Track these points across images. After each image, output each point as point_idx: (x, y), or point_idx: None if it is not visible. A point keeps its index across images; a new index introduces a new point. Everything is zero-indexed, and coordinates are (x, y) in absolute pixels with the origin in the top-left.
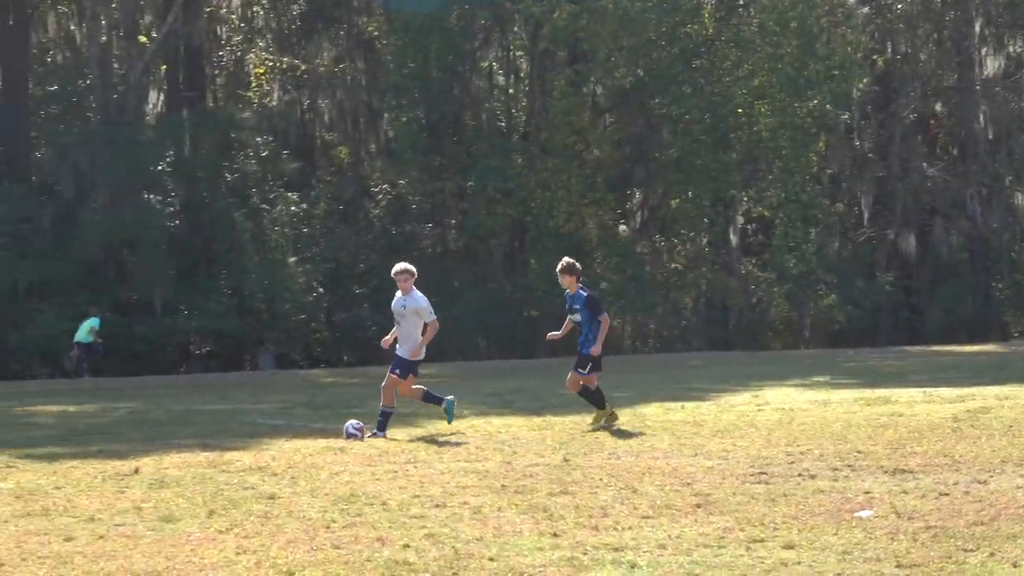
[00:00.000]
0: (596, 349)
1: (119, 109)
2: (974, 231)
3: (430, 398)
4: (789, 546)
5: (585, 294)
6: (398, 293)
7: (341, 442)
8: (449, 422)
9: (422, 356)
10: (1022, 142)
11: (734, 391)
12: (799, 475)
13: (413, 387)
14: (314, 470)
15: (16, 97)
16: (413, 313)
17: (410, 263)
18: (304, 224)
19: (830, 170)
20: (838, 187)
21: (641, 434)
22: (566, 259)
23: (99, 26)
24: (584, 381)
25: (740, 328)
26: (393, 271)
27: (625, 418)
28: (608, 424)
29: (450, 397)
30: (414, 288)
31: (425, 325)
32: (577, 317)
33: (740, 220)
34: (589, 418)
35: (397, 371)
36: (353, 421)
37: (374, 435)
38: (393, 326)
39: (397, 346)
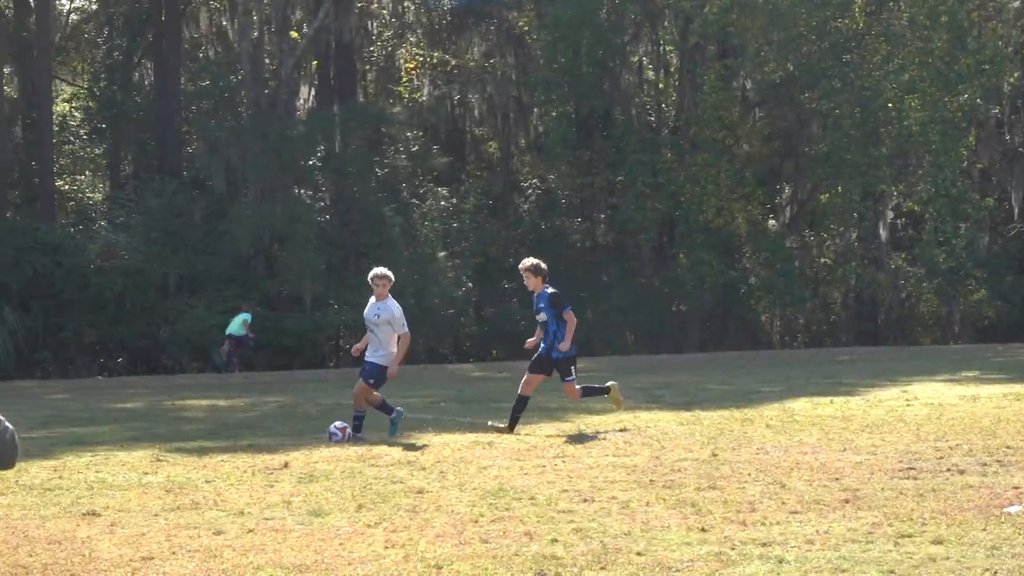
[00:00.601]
0: (564, 344)
1: (270, 104)
2: None
3: (384, 407)
4: (937, 541)
5: (549, 291)
6: (372, 299)
7: (490, 436)
8: (391, 434)
9: (395, 374)
10: None
11: (883, 386)
12: (948, 470)
13: (374, 394)
14: (462, 464)
15: (168, 93)
16: (386, 323)
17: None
18: (454, 219)
19: (980, 164)
20: (988, 181)
21: (790, 429)
22: (530, 259)
23: (251, 22)
24: (579, 387)
25: (889, 323)
26: (371, 276)
27: (773, 413)
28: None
29: (400, 408)
30: (390, 295)
31: (398, 337)
32: (543, 316)
33: (890, 215)
34: (738, 413)
35: (371, 380)
36: (337, 422)
37: (353, 437)
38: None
39: (368, 353)
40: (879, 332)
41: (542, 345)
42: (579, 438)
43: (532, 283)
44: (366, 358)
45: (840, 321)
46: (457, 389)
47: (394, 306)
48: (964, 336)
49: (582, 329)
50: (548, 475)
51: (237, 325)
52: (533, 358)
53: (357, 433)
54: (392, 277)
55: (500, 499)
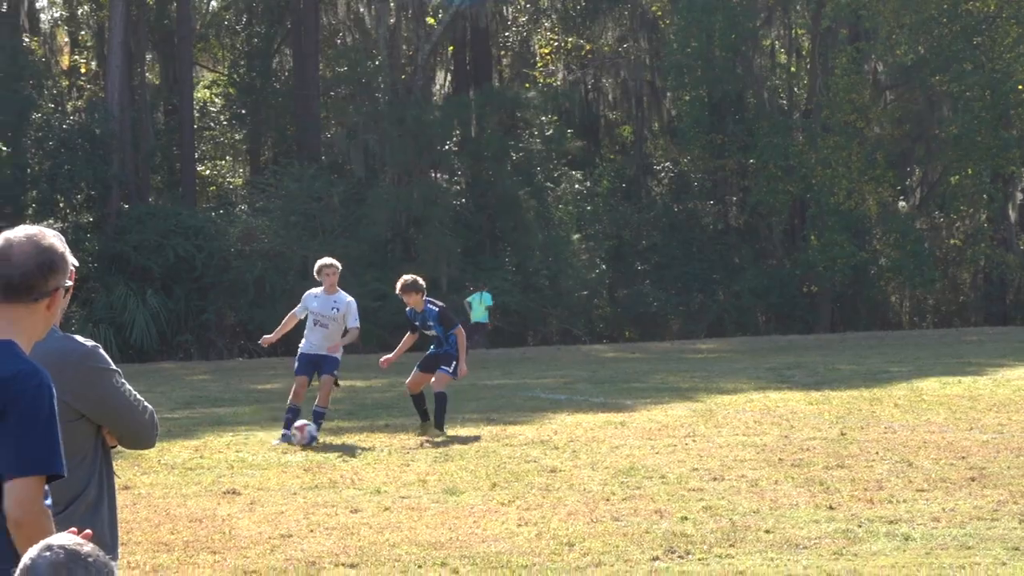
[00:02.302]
0: (462, 368)
1: (407, 89)
2: None
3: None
4: None
5: (436, 309)
6: (318, 291)
7: (621, 416)
8: (282, 440)
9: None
10: None
11: (1011, 366)
12: None
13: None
14: (595, 443)
15: (307, 79)
16: (343, 317)
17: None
18: (587, 202)
19: None
20: None
21: (917, 409)
22: (408, 277)
23: (388, 8)
24: (448, 380)
25: (1018, 303)
26: (321, 265)
27: (901, 393)
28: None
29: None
30: (338, 287)
31: (346, 330)
32: (432, 332)
33: (1019, 196)
34: (866, 393)
35: (335, 372)
36: (311, 426)
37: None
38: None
39: (317, 346)
40: (1008, 312)
41: (432, 348)
42: (710, 417)
43: (411, 301)
44: (318, 352)
45: (969, 302)
46: (591, 370)
47: (349, 299)
48: None
49: (715, 310)
50: (678, 454)
51: (481, 312)
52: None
53: (286, 429)
54: (340, 266)
55: (631, 478)
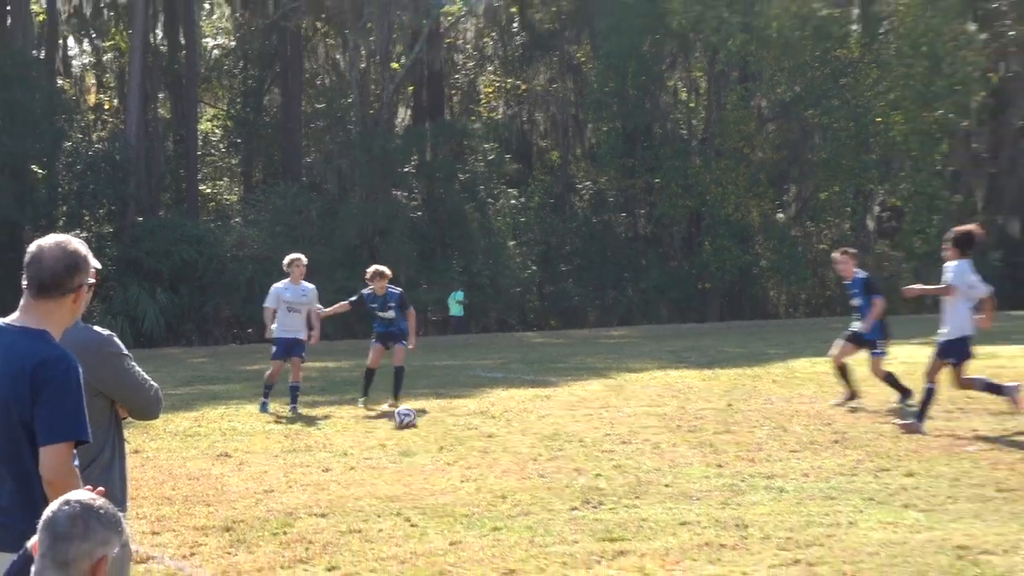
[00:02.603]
0: (412, 342)
1: (374, 122)
2: None
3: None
4: (909, 474)
5: (398, 292)
6: (286, 282)
7: (547, 391)
8: (261, 410)
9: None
10: None
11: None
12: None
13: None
14: (525, 414)
15: (291, 113)
16: (310, 303)
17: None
18: (521, 215)
19: (951, 167)
20: (957, 181)
21: (791, 384)
22: (379, 266)
23: (359, 55)
24: (404, 353)
25: None
26: (291, 259)
27: (778, 371)
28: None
29: (265, 400)
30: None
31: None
32: (391, 314)
33: (876, 209)
34: (749, 371)
35: (304, 353)
36: (401, 408)
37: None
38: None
39: (292, 332)
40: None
41: (383, 328)
42: (620, 391)
43: (379, 286)
44: (295, 336)
45: (834, 296)
46: (523, 353)
47: (312, 286)
48: (936, 307)
49: (626, 303)
50: (594, 422)
51: (456, 307)
52: (382, 335)
53: (265, 399)
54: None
55: (555, 442)
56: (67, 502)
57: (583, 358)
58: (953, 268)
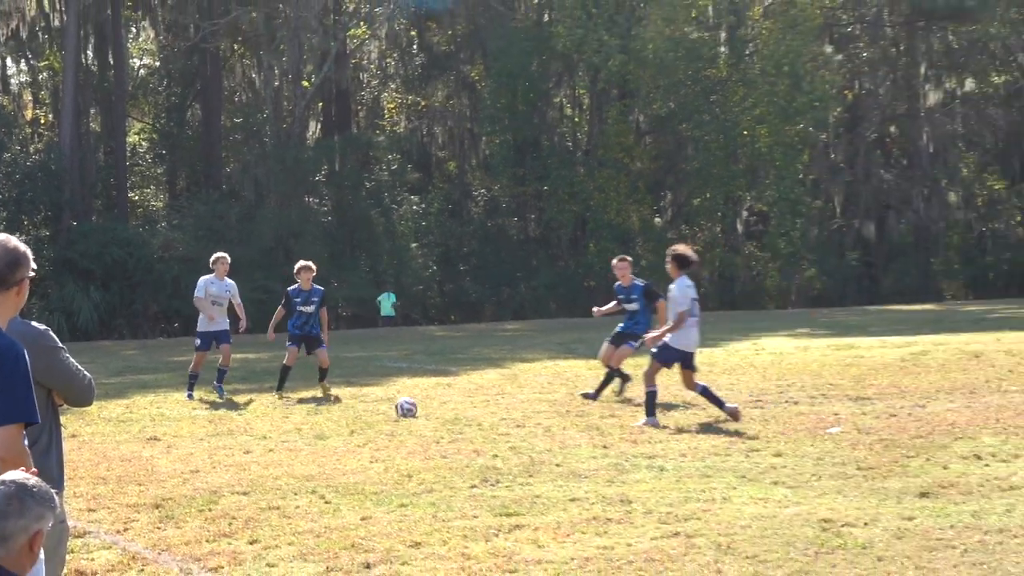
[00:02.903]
0: (325, 336)
1: (287, 135)
2: (918, 221)
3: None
4: (778, 454)
5: (323, 289)
6: (211, 277)
7: (448, 379)
8: (188, 398)
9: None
10: (954, 155)
11: (738, 340)
12: (786, 401)
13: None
14: (428, 400)
15: (212, 127)
16: (232, 297)
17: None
18: (423, 219)
19: (812, 176)
20: (817, 188)
21: (670, 372)
22: (308, 261)
23: (273, 74)
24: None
25: (744, 294)
26: (217, 257)
27: None
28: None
29: (190, 391)
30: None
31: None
32: (311, 309)
33: (744, 214)
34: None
35: (231, 340)
36: (404, 399)
37: (218, 390)
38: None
39: (219, 323)
40: (736, 300)
41: (301, 328)
42: (514, 379)
43: (306, 281)
44: (219, 328)
45: (707, 292)
46: (425, 345)
47: (232, 282)
48: (799, 303)
49: (519, 299)
50: (491, 407)
51: (388, 307)
52: (297, 338)
53: (190, 391)
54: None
55: (455, 425)
56: (2, 482)
57: (480, 349)
58: (676, 284)
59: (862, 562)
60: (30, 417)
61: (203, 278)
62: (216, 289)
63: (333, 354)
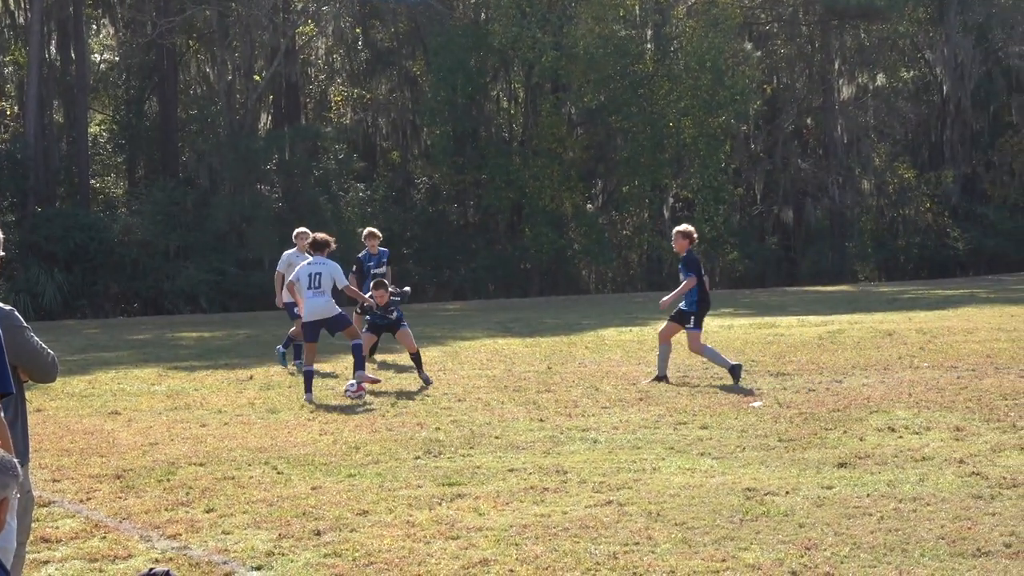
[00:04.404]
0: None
1: (240, 126)
2: (833, 207)
3: None
4: (704, 427)
5: (387, 249)
6: (293, 251)
7: (392, 356)
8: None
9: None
10: (867, 145)
11: (667, 320)
12: (711, 377)
13: None
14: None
15: (168, 118)
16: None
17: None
18: (368, 206)
19: (734, 165)
20: (739, 176)
21: (601, 349)
22: (368, 229)
23: (226, 69)
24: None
25: (671, 275)
26: (296, 233)
27: (590, 339)
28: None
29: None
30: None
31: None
32: (383, 269)
33: (671, 200)
34: (565, 339)
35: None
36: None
37: None
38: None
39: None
40: (664, 282)
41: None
42: (455, 356)
43: (372, 244)
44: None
45: (636, 274)
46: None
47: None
48: (722, 284)
49: (459, 281)
50: (434, 383)
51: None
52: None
53: None
54: None
55: (399, 400)
56: None
57: (422, 328)
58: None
59: (784, 528)
60: (5, 388)
61: (286, 252)
62: (298, 262)
63: (284, 330)
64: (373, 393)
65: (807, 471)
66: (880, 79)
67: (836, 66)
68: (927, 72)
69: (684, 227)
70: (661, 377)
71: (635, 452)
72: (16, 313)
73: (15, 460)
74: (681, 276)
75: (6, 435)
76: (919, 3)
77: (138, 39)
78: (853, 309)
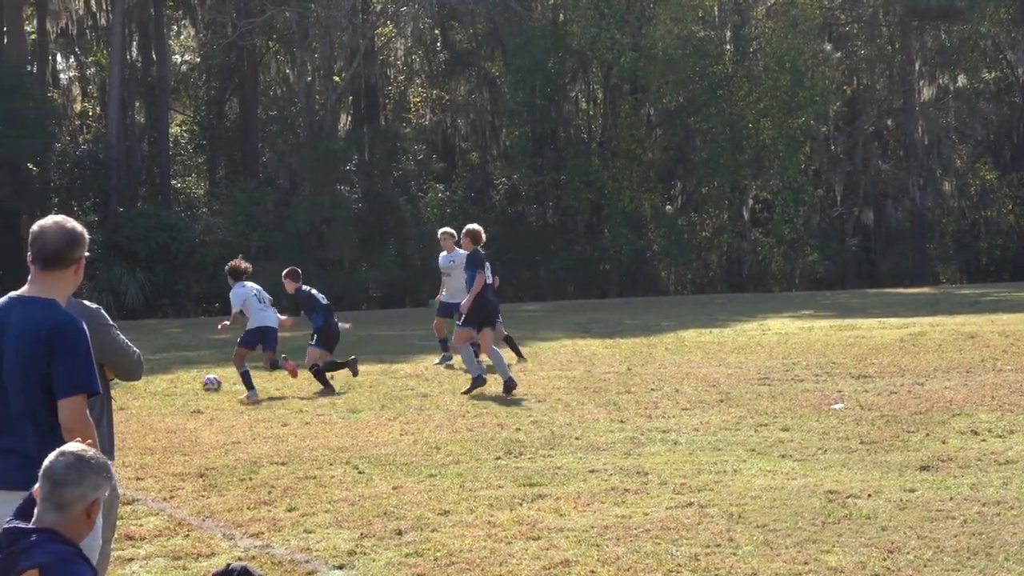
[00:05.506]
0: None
1: (319, 127)
2: (914, 208)
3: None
4: (785, 429)
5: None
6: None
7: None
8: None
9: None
10: (948, 147)
11: (746, 321)
12: (792, 379)
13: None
14: (454, 376)
15: (249, 119)
16: (454, 267)
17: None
18: (447, 206)
19: (813, 166)
20: (819, 178)
21: (682, 351)
22: (471, 226)
23: (306, 70)
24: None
25: (750, 277)
26: (440, 232)
27: (670, 340)
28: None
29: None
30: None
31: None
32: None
33: (750, 201)
34: (645, 340)
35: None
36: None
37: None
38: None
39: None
40: (743, 283)
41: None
42: (535, 358)
43: (448, 245)
44: (452, 301)
45: (716, 276)
46: (449, 324)
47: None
48: (802, 286)
49: (538, 282)
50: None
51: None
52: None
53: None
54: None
55: (480, 400)
56: (63, 453)
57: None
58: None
59: (867, 531)
60: (92, 387)
61: (441, 255)
62: (441, 262)
63: (365, 332)
64: (453, 393)
65: (889, 474)
66: (961, 80)
67: (916, 67)
68: (1009, 73)
69: (470, 226)
70: (479, 380)
71: (716, 454)
72: (103, 311)
73: (110, 462)
74: (466, 275)
75: (93, 434)
76: (1000, 3)
77: (218, 40)
78: (934, 311)
